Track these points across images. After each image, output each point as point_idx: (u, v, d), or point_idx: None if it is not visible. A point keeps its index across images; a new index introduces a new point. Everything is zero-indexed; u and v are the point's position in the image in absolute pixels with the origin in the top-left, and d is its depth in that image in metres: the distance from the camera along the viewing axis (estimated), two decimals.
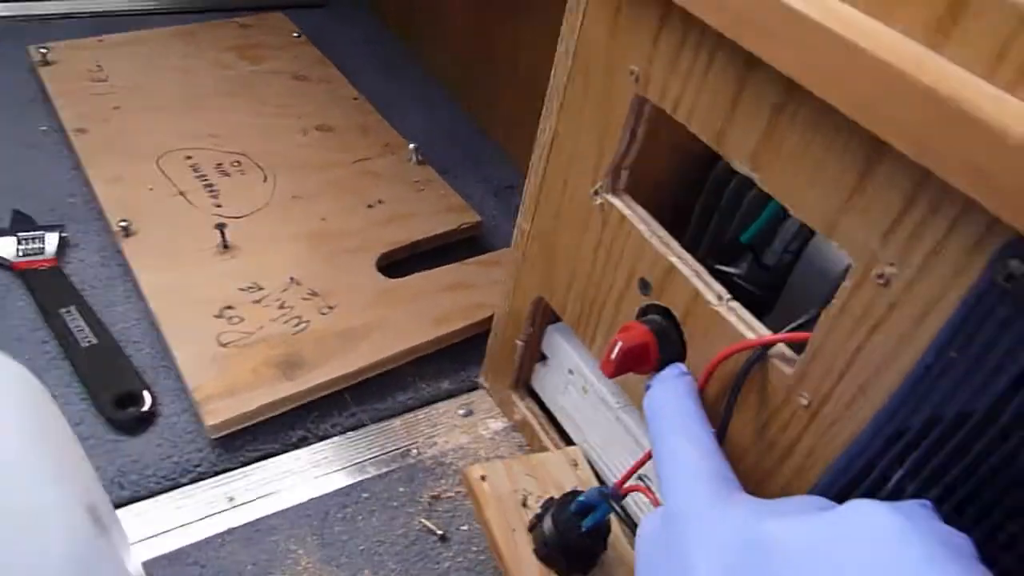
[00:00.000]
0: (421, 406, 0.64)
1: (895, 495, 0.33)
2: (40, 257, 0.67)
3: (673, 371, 0.42)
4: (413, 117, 0.94)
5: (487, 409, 0.65)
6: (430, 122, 0.95)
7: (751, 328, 0.41)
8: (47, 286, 0.65)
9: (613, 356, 0.44)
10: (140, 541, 0.52)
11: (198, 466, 0.57)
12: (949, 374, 0.31)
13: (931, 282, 0.31)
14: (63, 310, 0.63)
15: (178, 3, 1.07)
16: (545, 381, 0.62)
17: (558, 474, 0.55)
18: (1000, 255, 0.28)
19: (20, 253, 0.67)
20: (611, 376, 0.45)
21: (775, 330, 0.40)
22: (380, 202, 0.77)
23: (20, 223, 0.70)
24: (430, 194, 0.80)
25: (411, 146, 0.83)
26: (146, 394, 0.59)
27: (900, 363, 0.33)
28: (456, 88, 1.01)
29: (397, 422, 0.63)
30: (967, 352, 0.30)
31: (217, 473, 0.57)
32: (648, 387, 0.42)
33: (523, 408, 0.63)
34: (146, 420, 0.58)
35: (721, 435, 0.41)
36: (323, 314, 0.65)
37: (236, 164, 0.79)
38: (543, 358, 0.62)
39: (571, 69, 0.47)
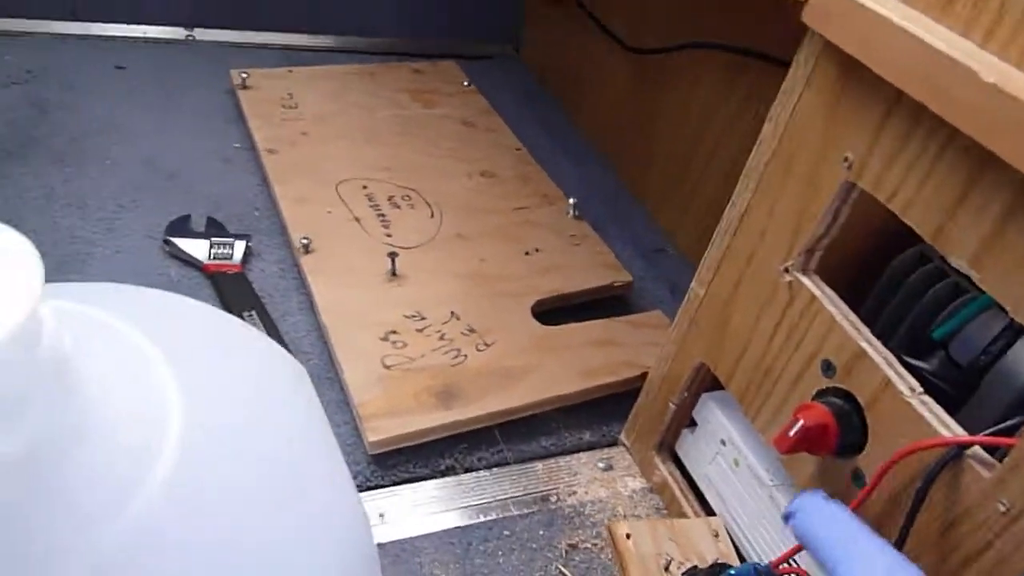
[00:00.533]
0: (562, 453, 0.66)
1: None
2: (228, 262, 0.73)
3: (817, 496, 0.39)
4: (567, 173, 0.97)
5: (626, 467, 0.66)
6: (582, 179, 0.98)
7: (944, 425, 0.40)
8: (233, 289, 0.70)
9: (792, 433, 0.45)
10: None
11: (355, 478, 0.59)
12: None
13: None
14: (246, 313, 0.68)
15: (357, 44, 1.15)
16: (691, 448, 0.62)
17: (699, 542, 0.55)
18: None
19: (211, 256, 0.73)
20: (785, 452, 0.46)
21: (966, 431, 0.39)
22: (537, 250, 0.80)
23: (213, 228, 0.76)
24: (585, 249, 0.82)
25: (570, 200, 0.86)
26: None
27: None
28: (609, 149, 1.04)
29: (539, 465, 0.64)
30: None
31: (370, 488, 0.59)
32: (790, 515, 0.40)
33: (664, 471, 0.64)
34: None
35: (905, 531, 0.41)
36: (480, 351, 0.68)
37: (407, 198, 0.84)
38: (692, 424, 0.62)
39: (776, 148, 0.49)
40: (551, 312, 0.77)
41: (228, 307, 0.69)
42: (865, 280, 0.56)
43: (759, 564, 0.47)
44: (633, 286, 0.81)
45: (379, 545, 0.55)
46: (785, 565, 0.46)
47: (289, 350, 0.65)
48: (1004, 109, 0.34)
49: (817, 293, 0.47)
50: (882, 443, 0.43)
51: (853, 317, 0.46)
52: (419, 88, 1.03)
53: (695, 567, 0.52)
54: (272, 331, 0.67)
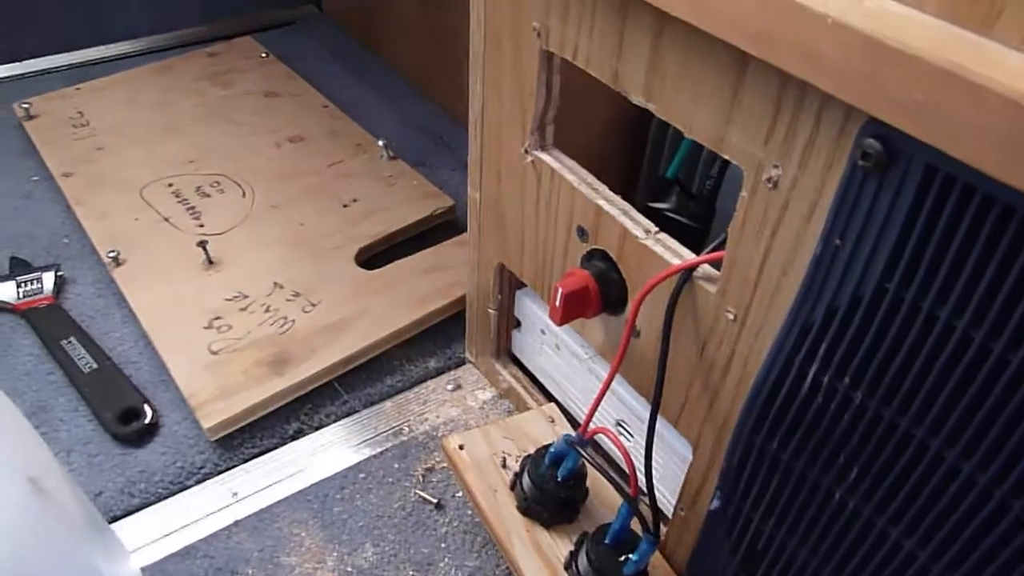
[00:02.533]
0: (411, 386, 0.67)
1: (814, 389, 0.35)
2: (39, 296, 0.71)
3: None
4: (383, 116, 0.97)
5: (474, 381, 0.67)
6: (401, 118, 0.97)
7: (679, 256, 0.42)
8: (47, 322, 0.69)
9: (557, 303, 0.46)
10: (152, 542, 0.55)
11: (202, 467, 0.59)
12: (837, 262, 0.32)
13: (811, 177, 0.32)
14: (64, 341, 0.66)
15: (149, 45, 1.10)
16: (523, 345, 0.64)
17: (536, 432, 0.56)
18: (858, 138, 0.29)
19: (20, 295, 0.71)
20: (559, 323, 0.47)
21: None
22: (355, 200, 0.80)
23: (18, 267, 0.74)
24: (403, 186, 0.82)
25: (380, 143, 0.86)
26: (146, 408, 0.62)
27: (800, 260, 0.34)
28: (419, 81, 1.03)
29: (388, 404, 0.65)
30: (848, 238, 0.31)
31: (220, 472, 0.60)
32: None
33: (507, 375, 0.65)
34: (149, 432, 0.61)
35: (664, 360, 0.43)
36: (306, 312, 0.68)
37: (215, 184, 0.82)
38: (518, 324, 0.63)
39: (484, 36, 0.49)
40: (383, 254, 0.77)
41: (45, 340, 0.67)
42: (625, 138, 0.57)
43: (569, 435, 0.49)
44: (461, 208, 0.81)
45: (235, 522, 0.56)
46: (592, 427, 0.48)
47: (117, 366, 0.64)
48: None
49: (556, 166, 0.48)
50: (639, 289, 0.45)
51: (591, 179, 0.47)
52: (216, 71, 1.00)
53: (528, 455, 0.53)
54: (95, 352, 0.66)
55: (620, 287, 0.46)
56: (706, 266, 0.41)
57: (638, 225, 0.44)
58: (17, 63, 1.06)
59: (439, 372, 0.68)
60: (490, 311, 0.62)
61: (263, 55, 1.04)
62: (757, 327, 0.38)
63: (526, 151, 0.49)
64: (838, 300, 0.32)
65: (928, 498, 0.31)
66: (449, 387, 0.67)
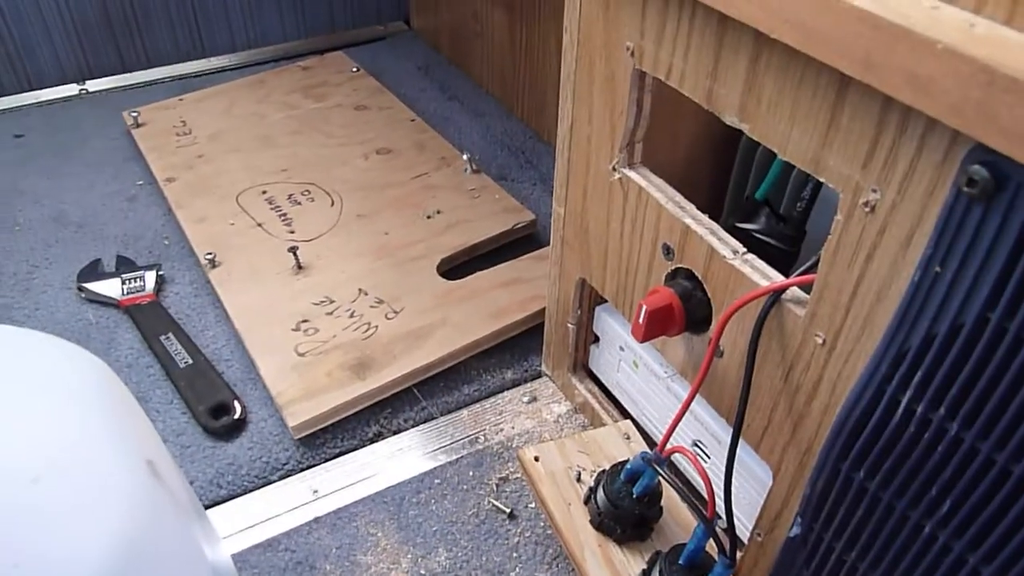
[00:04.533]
0: (487, 396, 0.68)
1: (906, 418, 0.34)
2: (141, 293, 0.75)
3: None
4: (469, 131, 0.99)
5: (550, 395, 0.68)
6: (486, 133, 0.99)
7: (767, 278, 0.42)
8: (148, 318, 0.72)
9: (640, 320, 0.46)
10: (238, 532, 0.57)
11: (286, 464, 0.62)
12: (937, 289, 0.31)
13: (911, 202, 0.32)
14: (163, 337, 0.70)
15: (248, 59, 1.16)
16: (600, 361, 0.64)
17: (611, 448, 0.56)
18: (963, 164, 0.29)
19: (124, 292, 0.75)
20: (641, 340, 0.47)
21: None
22: (439, 212, 0.82)
23: (123, 266, 0.78)
24: (485, 199, 0.84)
25: (464, 156, 0.88)
26: (236, 404, 0.65)
27: (896, 286, 0.34)
28: (506, 96, 1.05)
29: (465, 413, 0.66)
30: (949, 265, 0.30)
31: (303, 469, 0.62)
32: None
33: (583, 390, 0.66)
34: (238, 427, 0.64)
35: (748, 381, 0.42)
36: (389, 319, 0.70)
37: (306, 192, 0.85)
38: (596, 340, 0.64)
39: (577, 55, 0.50)
40: (464, 266, 0.78)
41: (145, 335, 0.71)
42: (712, 159, 0.57)
43: (647, 453, 0.50)
44: (541, 223, 0.82)
45: (315, 519, 0.58)
46: (670, 446, 0.48)
47: (210, 362, 0.67)
48: None
49: (643, 183, 0.48)
50: (723, 309, 0.45)
51: (679, 198, 0.47)
52: (309, 84, 1.05)
53: (603, 471, 0.53)
54: (191, 348, 0.69)
55: (705, 306, 0.46)
56: (795, 289, 0.40)
57: (726, 245, 0.44)
58: (127, 74, 1.13)
59: (515, 384, 0.69)
60: (569, 325, 0.63)
61: (354, 69, 1.07)
62: (847, 352, 0.37)
63: (614, 168, 0.50)
64: (936, 327, 0.32)
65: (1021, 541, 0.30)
66: (525, 399, 0.67)
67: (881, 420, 0.35)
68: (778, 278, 0.42)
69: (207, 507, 0.59)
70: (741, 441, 0.46)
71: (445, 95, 1.08)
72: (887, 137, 0.32)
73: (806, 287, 0.40)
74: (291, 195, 0.85)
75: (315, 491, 0.60)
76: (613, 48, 0.46)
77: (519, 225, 0.80)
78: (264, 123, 0.97)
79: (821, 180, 0.36)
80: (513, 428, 0.65)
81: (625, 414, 0.63)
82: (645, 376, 0.58)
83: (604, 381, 0.64)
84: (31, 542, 0.24)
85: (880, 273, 0.34)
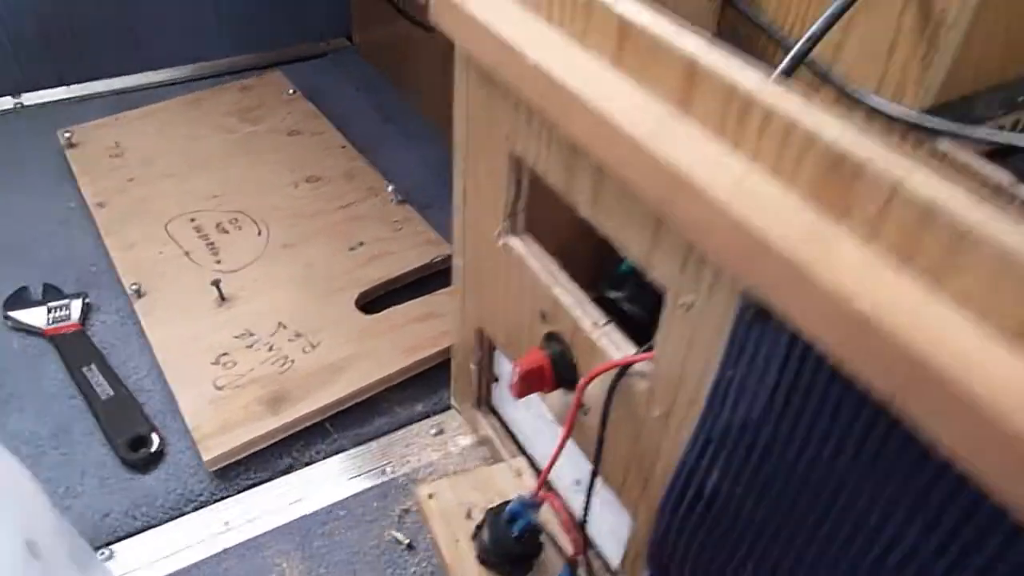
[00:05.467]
0: (397, 428, 0.72)
1: (713, 496, 0.39)
2: (67, 323, 0.77)
3: None
4: (399, 158, 1.02)
5: (456, 427, 0.72)
6: (417, 160, 1.02)
7: (620, 350, 0.46)
8: (72, 348, 0.75)
9: (515, 379, 0.51)
10: (150, 564, 0.61)
11: (200, 495, 0.65)
12: (731, 389, 0.36)
13: (716, 311, 0.36)
14: (85, 368, 0.73)
15: (188, 74, 1.17)
16: (501, 399, 0.68)
17: (502, 485, 0.61)
18: (744, 292, 0.33)
19: (50, 321, 0.77)
20: (516, 397, 0.52)
21: None
22: (361, 244, 0.85)
23: (50, 294, 0.80)
24: (408, 231, 0.87)
25: (389, 188, 0.91)
26: (154, 436, 0.68)
27: (708, 378, 0.38)
28: (440, 122, 1.08)
29: (374, 445, 0.70)
30: (737, 370, 0.35)
31: (216, 501, 0.65)
32: None
33: (486, 425, 0.70)
34: (156, 459, 0.67)
35: (600, 446, 0.47)
36: (306, 353, 0.73)
37: (234, 221, 0.88)
38: (497, 380, 0.68)
39: (467, 129, 0.54)
40: (384, 297, 0.82)
41: (68, 365, 0.73)
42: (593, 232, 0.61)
43: (524, 497, 0.54)
44: None
45: (224, 550, 0.62)
46: (543, 492, 0.53)
47: (132, 394, 0.70)
48: (557, 93, 0.39)
49: (522, 252, 0.53)
50: (586, 373, 0.49)
51: (554, 268, 0.52)
52: (245, 107, 1.07)
53: (491, 509, 0.58)
54: (112, 380, 0.72)
55: (573, 369, 0.51)
56: (641, 364, 0.45)
57: (588, 316, 0.48)
58: (64, 87, 1.13)
59: (424, 416, 0.73)
60: (472, 367, 0.67)
61: (291, 92, 1.10)
62: (677, 428, 0.42)
63: (499, 235, 0.54)
64: (732, 421, 0.36)
65: None
66: (432, 431, 0.72)
67: (694, 497, 0.40)
68: (629, 352, 0.46)
69: (122, 538, 0.62)
70: (610, 487, 0.51)
71: (381, 116, 1.10)
72: (693, 260, 0.36)
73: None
74: (219, 223, 0.88)
75: (226, 523, 0.64)
76: (493, 129, 0.50)
77: (438, 259, 0.84)
78: (198, 146, 0.99)
79: (652, 275, 0.40)
80: (419, 460, 0.69)
81: (523, 449, 0.67)
82: (535, 417, 0.63)
83: (504, 418, 0.69)
84: None
85: (698, 365, 0.39)
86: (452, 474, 0.68)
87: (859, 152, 0.28)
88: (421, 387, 0.75)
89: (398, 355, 0.74)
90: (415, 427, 0.72)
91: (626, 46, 0.36)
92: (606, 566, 0.58)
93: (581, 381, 0.47)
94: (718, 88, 0.32)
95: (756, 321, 0.33)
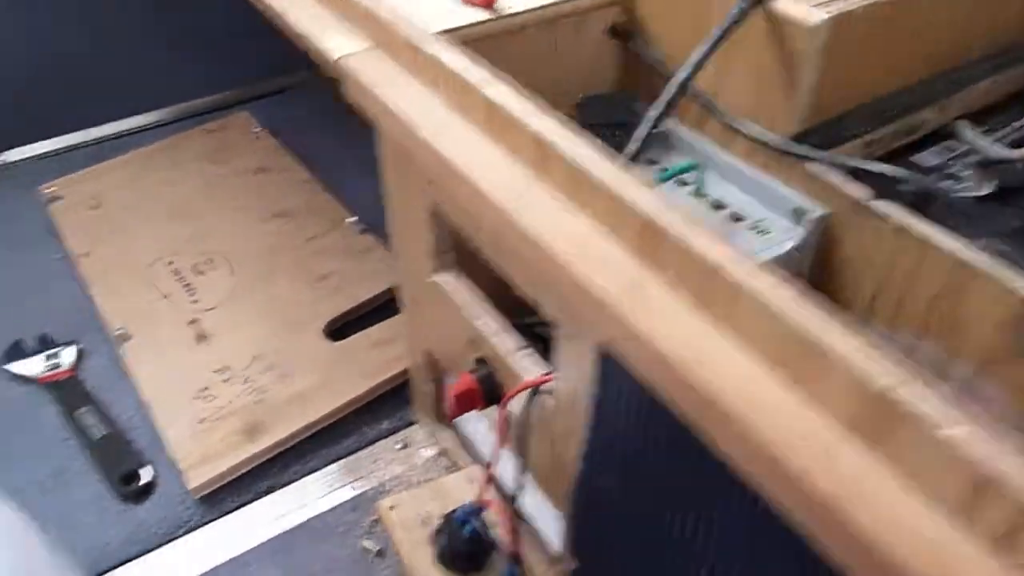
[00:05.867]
0: (366, 445, 0.79)
1: (607, 495, 0.46)
2: (60, 370, 0.84)
3: None
4: (365, 187, 1.07)
5: (420, 440, 0.79)
6: (378, 187, 1.08)
7: (535, 372, 0.53)
8: (67, 393, 0.82)
9: (448, 402, 0.57)
10: None
11: (189, 521, 0.72)
12: (604, 407, 0.43)
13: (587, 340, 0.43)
14: (79, 411, 0.80)
15: (159, 118, 1.24)
16: None
17: (458, 493, 0.68)
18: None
19: (44, 369, 0.84)
20: (451, 419, 0.59)
21: None
22: (327, 275, 0.92)
23: (44, 344, 0.87)
24: (371, 260, 0.94)
25: (349, 220, 0.98)
26: (144, 471, 0.75)
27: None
28: None
29: (345, 463, 0.77)
30: (606, 391, 0.42)
31: (204, 524, 0.72)
32: None
33: (445, 438, 0.77)
34: (147, 490, 0.74)
35: (523, 455, 0.54)
36: (279, 383, 0.80)
37: (209, 262, 0.95)
38: None
39: (394, 181, 0.60)
40: (351, 323, 0.89)
41: (63, 410, 0.80)
42: None
43: (469, 504, 0.61)
44: None
45: (213, 569, 0.69)
46: (487, 497, 0.59)
47: (123, 433, 0.77)
48: (443, 164, 0.45)
49: (448, 288, 0.59)
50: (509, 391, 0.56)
51: (478, 300, 0.58)
52: (214, 148, 1.13)
53: (447, 515, 0.65)
54: (105, 420, 0.79)
55: (500, 388, 0.57)
56: (548, 384, 0.52)
57: (507, 343, 0.55)
58: (43, 141, 1.20)
59: (391, 432, 0.80)
60: (424, 387, 0.74)
61: (256, 130, 1.16)
62: (578, 440, 0.49)
63: (428, 273, 0.61)
64: (613, 432, 0.43)
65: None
66: (398, 446, 0.78)
67: (592, 489, 0.47)
68: (542, 373, 0.53)
69: (121, 564, 0.69)
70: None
71: (344, 149, 1.17)
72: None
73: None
74: (195, 264, 0.95)
75: (214, 544, 0.71)
76: (412, 185, 0.57)
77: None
78: (172, 192, 1.06)
79: (543, 314, 0.47)
80: (386, 474, 0.76)
81: (479, 458, 0.74)
82: (486, 427, 0.69)
83: (460, 431, 0.75)
84: None
85: (586, 386, 0.45)
86: (413, 485, 0.74)
87: (663, 219, 0.34)
88: (387, 405, 0.81)
89: (364, 378, 0.80)
90: (381, 443, 0.79)
91: (493, 119, 0.43)
92: (548, 556, 0.65)
93: (502, 401, 0.53)
94: (563, 162, 0.38)
95: (607, 355, 0.40)
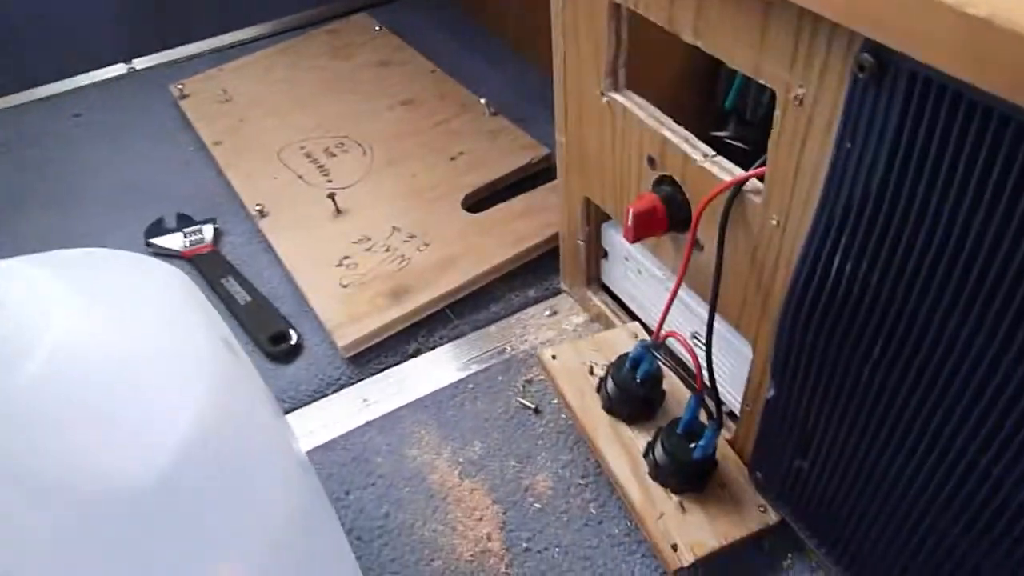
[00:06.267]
0: (512, 313, 0.76)
1: (838, 278, 0.41)
2: (201, 244, 0.84)
3: None
4: (488, 78, 1.05)
5: (569, 308, 0.75)
6: (504, 79, 1.05)
7: (731, 174, 0.48)
8: (209, 265, 0.82)
9: (629, 222, 0.53)
10: (300, 438, 0.66)
11: (338, 379, 0.71)
12: (849, 164, 0.37)
13: (828, 92, 0.38)
14: (223, 280, 0.79)
15: (278, 27, 1.23)
16: (611, 273, 0.71)
17: (620, 346, 0.64)
18: (858, 54, 0.35)
19: (187, 244, 0.84)
20: (632, 241, 0.54)
21: None
22: (461, 153, 0.89)
23: (183, 221, 0.87)
24: (503, 139, 0.90)
25: (482, 101, 0.94)
26: (292, 332, 0.74)
27: (824, 167, 0.40)
28: (520, 46, 1.10)
29: (493, 328, 0.74)
30: (856, 141, 0.37)
31: (353, 383, 0.71)
32: None
33: (597, 301, 0.73)
34: (295, 351, 0.73)
35: (719, 267, 0.49)
36: (420, 251, 0.78)
37: (340, 145, 0.93)
38: (606, 255, 0.71)
39: None
40: (487, 200, 0.85)
41: (209, 280, 0.80)
42: (694, 80, 0.62)
43: (644, 341, 0.57)
44: (555, 157, 0.89)
45: (367, 423, 0.67)
46: (665, 331, 0.55)
47: (268, 299, 0.76)
48: None
49: (628, 104, 0.55)
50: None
51: (659, 114, 0.54)
52: (336, 46, 1.12)
53: (612, 362, 0.61)
54: (249, 288, 0.78)
55: (685, 207, 0.53)
56: (754, 181, 0.47)
57: (697, 150, 0.50)
58: (168, 51, 1.21)
59: (537, 301, 0.77)
60: (579, 242, 0.70)
61: (376, 28, 1.14)
62: (795, 229, 0.44)
63: (602, 93, 0.56)
64: (852, 197, 0.38)
65: (936, 367, 0.37)
66: (546, 313, 0.75)
67: (820, 283, 0.42)
68: (739, 173, 0.48)
69: None
70: (727, 324, 0.53)
71: (464, 48, 1.14)
72: (804, 42, 0.38)
73: (762, 178, 0.46)
74: (327, 148, 0.93)
75: (365, 400, 0.69)
76: None
77: (534, 160, 0.87)
78: (297, 85, 1.05)
79: (762, 82, 0.42)
80: (536, 338, 0.73)
81: (636, 319, 0.70)
82: (648, 280, 0.65)
83: (615, 291, 0.71)
84: (128, 402, 0.32)
85: (812, 157, 0.40)
86: (572, 340, 0.71)
87: None
88: (532, 275, 0.78)
89: (506, 247, 0.77)
90: (529, 310, 0.76)
91: None
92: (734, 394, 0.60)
93: (696, 208, 0.49)
94: None
95: (871, 84, 0.34)
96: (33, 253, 0.38)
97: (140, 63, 1.20)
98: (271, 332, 0.74)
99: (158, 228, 0.87)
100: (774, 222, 0.45)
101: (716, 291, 0.50)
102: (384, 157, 0.91)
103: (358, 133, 0.95)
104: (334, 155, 0.92)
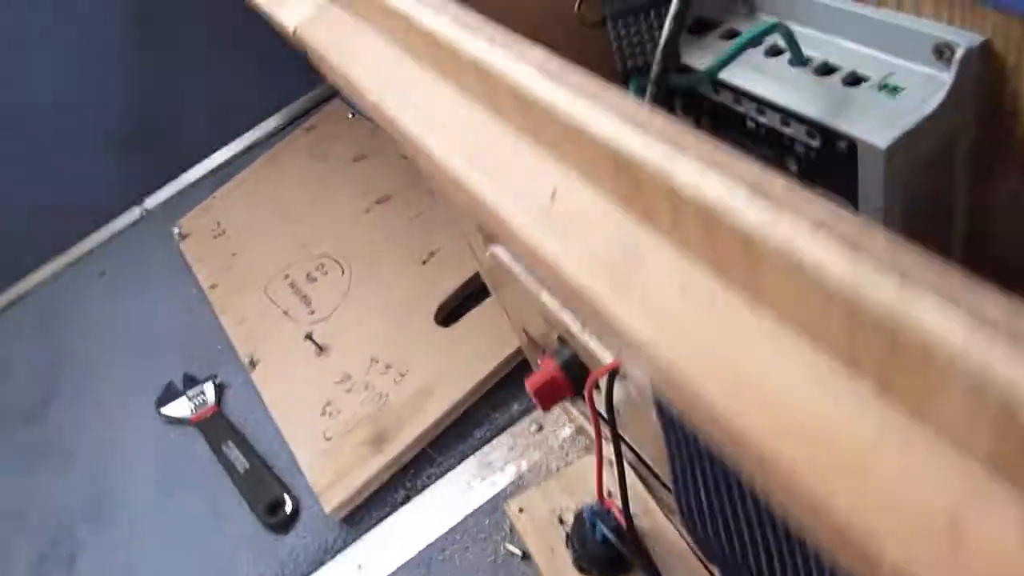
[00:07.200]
0: (498, 434, 0.71)
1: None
2: (205, 407, 0.85)
3: None
4: None
5: (555, 419, 0.70)
6: None
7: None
8: (213, 430, 0.83)
9: (533, 396, 0.48)
10: None
11: (334, 544, 0.70)
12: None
13: None
14: (224, 447, 0.80)
15: (261, 134, 1.23)
16: None
17: (589, 480, 0.58)
18: None
19: (193, 408, 0.86)
20: (546, 410, 0.49)
21: None
22: (432, 255, 0.85)
23: (188, 383, 0.89)
24: None
25: None
26: (287, 498, 0.73)
27: None
28: None
29: (478, 456, 0.71)
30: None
31: (348, 545, 0.69)
32: None
33: (577, 413, 0.67)
34: (292, 518, 0.73)
35: (617, 444, 0.43)
36: (397, 383, 0.75)
37: (320, 267, 0.92)
38: None
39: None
40: (463, 304, 0.81)
41: (212, 446, 0.81)
42: None
43: (593, 504, 0.52)
44: None
45: None
46: (608, 499, 0.50)
47: (264, 462, 0.76)
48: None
49: (506, 259, 0.49)
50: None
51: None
52: (313, 143, 1.10)
53: (577, 513, 0.56)
54: (247, 452, 0.79)
55: (586, 370, 0.47)
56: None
57: (575, 320, 0.44)
58: (172, 181, 1.24)
59: (523, 414, 0.72)
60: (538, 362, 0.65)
61: (350, 116, 1.11)
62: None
63: (484, 246, 0.51)
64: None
65: None
66: (532, 428, 0.70)
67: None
68: None
69: None
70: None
71: None
72: None
73: None
74: (308, 273, 0.92)
75: (359, 566, 0.67)
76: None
77: None
78: (282, 200, 1.04)
79: None
80: (523, 464, 0.68)
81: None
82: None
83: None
84: None
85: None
86: (542, 481, 0.66)
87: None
88: (513, 386, 0.73)
89: (481, 362, 0.73)
90: (515, 428, 0.71)
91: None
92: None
93: (585, 388, 0.43)
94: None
95: None
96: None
97: (150, 201, 1.23)
98: (267, 502, 0.74)
99: (168, 394, 0.89)
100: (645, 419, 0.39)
101: (621, 465, 0.44)
102: (361, 270, 0.88)
103: (337, 249, 0.93)
104: (315, 280, 0.91)
